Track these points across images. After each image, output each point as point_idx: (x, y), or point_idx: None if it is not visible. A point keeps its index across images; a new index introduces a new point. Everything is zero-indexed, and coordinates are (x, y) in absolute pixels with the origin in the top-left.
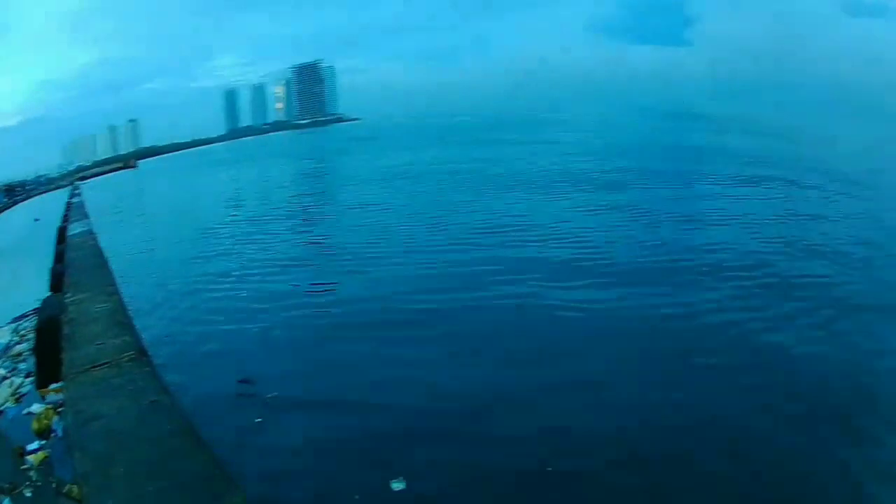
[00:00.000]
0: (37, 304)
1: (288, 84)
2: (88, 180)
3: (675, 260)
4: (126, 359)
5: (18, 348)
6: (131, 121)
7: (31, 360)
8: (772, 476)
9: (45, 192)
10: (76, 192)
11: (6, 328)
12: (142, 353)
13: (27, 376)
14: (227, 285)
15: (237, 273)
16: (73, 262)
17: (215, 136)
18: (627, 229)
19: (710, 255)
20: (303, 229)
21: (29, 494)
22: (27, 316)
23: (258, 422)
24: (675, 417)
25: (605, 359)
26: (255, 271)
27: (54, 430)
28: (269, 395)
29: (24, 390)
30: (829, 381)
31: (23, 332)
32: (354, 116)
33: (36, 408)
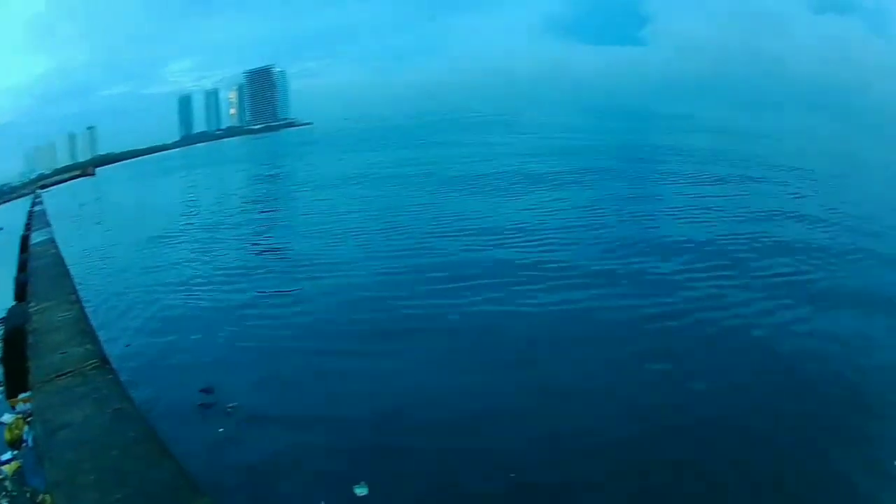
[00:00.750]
0: (2, 314)
1: (241, 89)
2: (50, 188)
3: (641, 260)
4: (89, 367)
5: None
6: (89, 128)
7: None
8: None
9: (7, 200)
10: (38, 200)
11: None
12: (104, 361)
13: None
14: (185, 293)
15: (195, 281)
16: (36, 270)
17: (170, 142)
18: (590, 229)
19: (677, 255)
20: (258, 236)
21: None
22: None
23: (220, 432)
24: (660, 420)
25: (578, 363)
26: (213, 279)
27: (25, 440)
28: (230, 406)
29: None
30: (817, 377)
31: None
32: (306, 121)
33: (6, 418)
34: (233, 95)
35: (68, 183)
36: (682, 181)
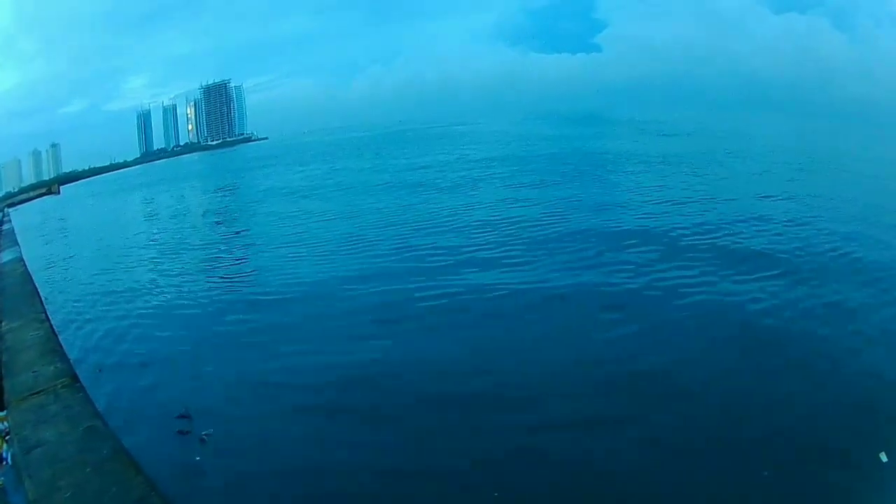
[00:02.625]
0: None
1: (197, 105)
2: (17, 206)
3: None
4: (60, 385)
5: None
6: (53, 145)
7: None
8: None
9: None
10: (6, 218)
11: None
12: (74, 379)
13: None
14: (153, 311)
15: (162, 298)
16: (5, 289)
17: (131, 159)
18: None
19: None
20: (223, 251)
21: None
22: None
23: (198, 460)
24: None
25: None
26: (180, 296)
27: (4, 458)
28: (205, 433)
29: None
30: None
31: None
32: (263, 136)
33: None
34: (190, 111)
35: (35, 201)
36: (645, 182)
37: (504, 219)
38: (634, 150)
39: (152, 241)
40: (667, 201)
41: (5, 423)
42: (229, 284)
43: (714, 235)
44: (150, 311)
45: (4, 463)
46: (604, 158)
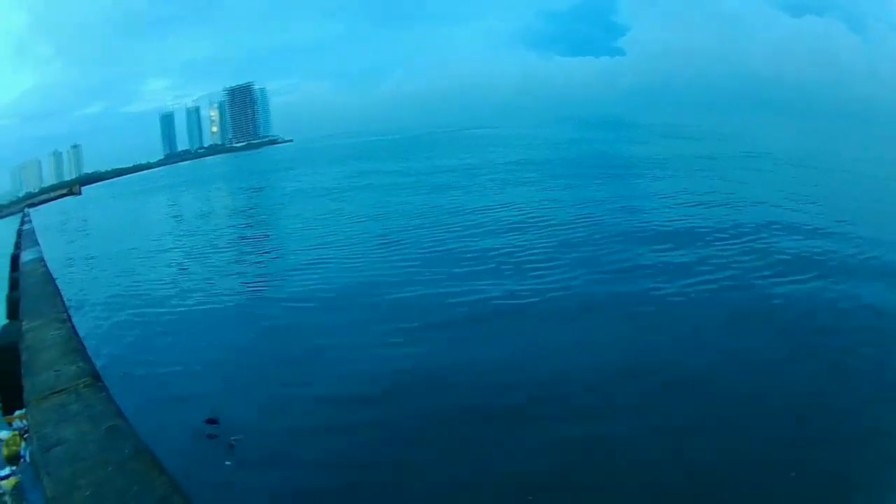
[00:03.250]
0: None
1: (221, 107)
2: (38, 207)
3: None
4: (82, 385)
5: None
6: (74, 146)
7: None
8: None
9: None
10: (26, 219)
11: None
12: (96, 378)
13: None
14: (179, 314)
15: (188, 301)
16: (26, 289)
17: (154, 160)
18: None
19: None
20: (250, 252)
21: None
22: None
23: (227, 465)
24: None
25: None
26: (207, 299)
27: (23, 456)
28: (234, 438)
29: None
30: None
31: None
32: (287, 138)
33: (3, 434)
34: (214, 113)
35: (56, 201)
36: (672, 185)
37: (534, 221)
38: (658, 153)
39: (178, 242)
40: (696, 203)
41: (24, 422)
42: (257, 288)
43: (745, 238)
44: (176, 314)
45: (23, 461)
46: (630, 161)
